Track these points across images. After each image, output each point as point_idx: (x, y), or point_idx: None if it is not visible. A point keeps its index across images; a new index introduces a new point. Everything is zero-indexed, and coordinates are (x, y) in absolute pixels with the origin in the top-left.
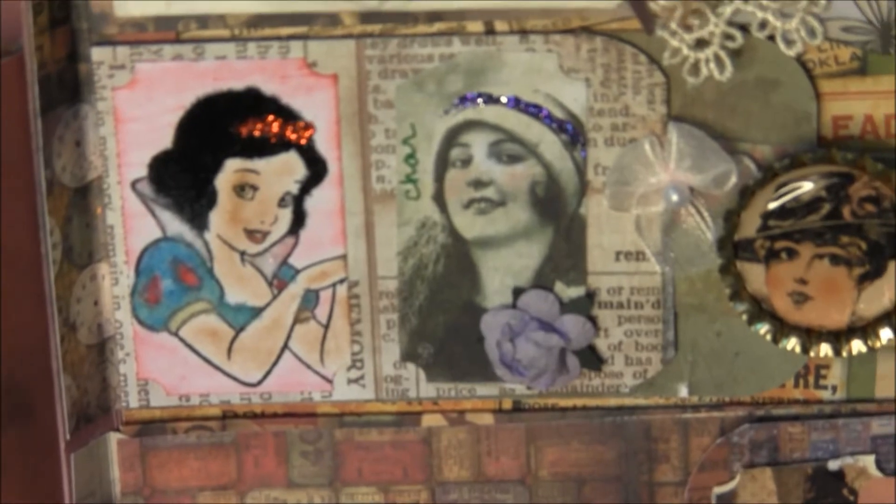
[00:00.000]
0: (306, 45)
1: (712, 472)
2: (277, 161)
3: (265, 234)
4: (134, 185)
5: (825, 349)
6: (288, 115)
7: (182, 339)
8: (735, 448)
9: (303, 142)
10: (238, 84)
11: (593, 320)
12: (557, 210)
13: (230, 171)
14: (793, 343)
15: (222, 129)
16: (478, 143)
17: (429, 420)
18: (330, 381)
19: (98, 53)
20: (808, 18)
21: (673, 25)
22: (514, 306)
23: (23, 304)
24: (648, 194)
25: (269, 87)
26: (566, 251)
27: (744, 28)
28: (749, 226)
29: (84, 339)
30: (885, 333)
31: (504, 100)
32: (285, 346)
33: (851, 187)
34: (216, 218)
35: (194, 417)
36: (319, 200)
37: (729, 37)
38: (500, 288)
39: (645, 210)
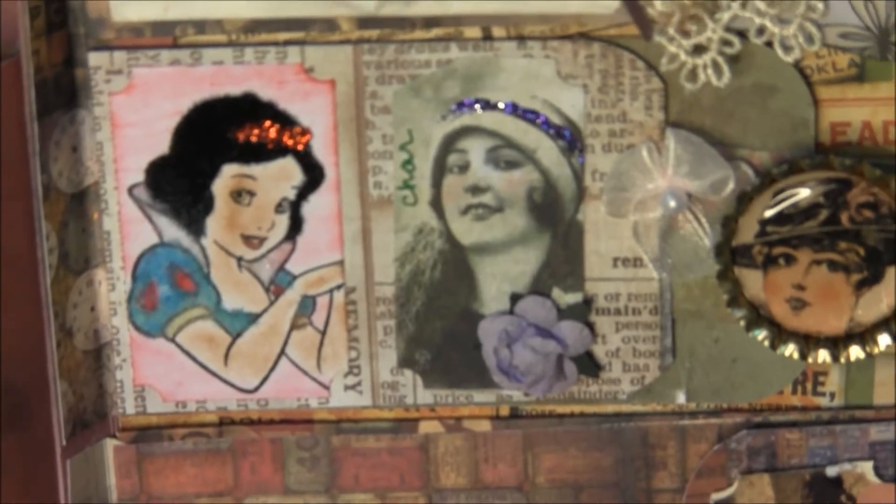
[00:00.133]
0: (303, 51)
1: (710, 478)
2: (274, 167)
3: (262, 240)
4: (131, 190)
5: (823, 355)
6: (285, 121)
7: (179, 346)
8: (733, 454)
9: (300, 147)
10: (235, 89)
11: (591, 327)
12: (555, 216)
13: (227, 176)
14: (791, 349)
15: (219, 135)
16: (475, 149)
17: (426, 426)
18: (327, 388)
19: (95, 58)
20: (806, 24)
21: (671, 31)
22: (511, 312)
23: (20, 307)
24: (646, 200)
25: (266, 93)
26: (563, 257)
27: (742, 34)
28: (747, 232)
29: (80, 344)
30: (884, 339)
31: (501, 106)
32: (282, 353)
33: (849, 193)
34: (213, 224)
35: (191, 424)
36: (316, 206)
37: (727, 43)
38: (498, 294)
39: (642, 216)
